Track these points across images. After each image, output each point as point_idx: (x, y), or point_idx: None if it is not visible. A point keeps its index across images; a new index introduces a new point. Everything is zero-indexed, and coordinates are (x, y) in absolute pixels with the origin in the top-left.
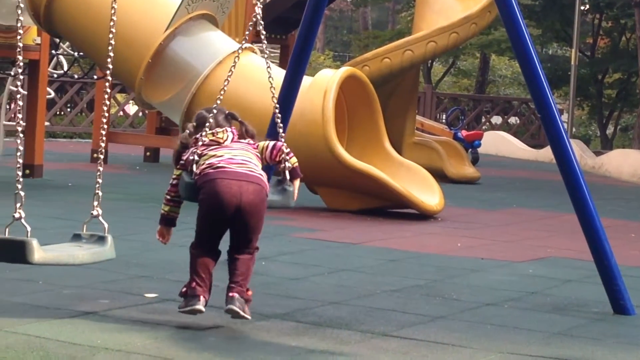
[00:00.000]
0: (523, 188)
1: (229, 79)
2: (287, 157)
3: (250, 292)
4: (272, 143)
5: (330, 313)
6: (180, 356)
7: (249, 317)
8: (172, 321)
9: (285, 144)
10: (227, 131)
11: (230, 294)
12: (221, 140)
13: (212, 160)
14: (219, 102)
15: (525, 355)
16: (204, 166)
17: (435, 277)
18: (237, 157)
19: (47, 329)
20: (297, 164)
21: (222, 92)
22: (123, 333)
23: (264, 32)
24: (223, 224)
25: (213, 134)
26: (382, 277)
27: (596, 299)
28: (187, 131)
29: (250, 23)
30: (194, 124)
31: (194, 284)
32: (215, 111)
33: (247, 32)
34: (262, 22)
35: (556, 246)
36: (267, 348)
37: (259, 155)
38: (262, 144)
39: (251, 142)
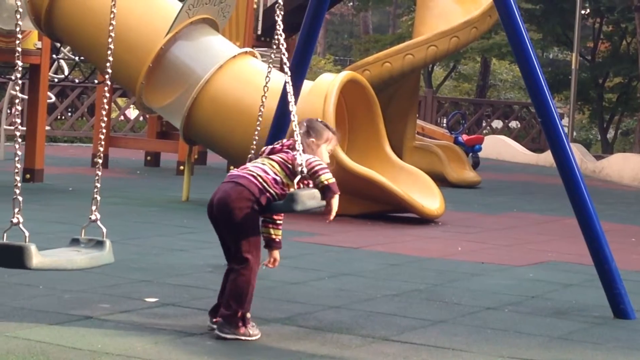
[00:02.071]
0: (524, 192)
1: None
2: (296, 162)
3: (241, 313)
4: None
5: (331, 317)
6: None
7: (240, 337)
8: (173, 325)
9: (298, 153)
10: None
11: (214, 319)
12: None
13: None
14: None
15: (525, 359)
16: None
17: (435, 282)
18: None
19: (47, 334)
20: (311, 167)
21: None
22: (124, 337)
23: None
24: (217, 230)
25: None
26: (383, 281)
27: (596, 303)
28: None
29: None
30: None
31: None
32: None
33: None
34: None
35: (556, 250)
36: (267, 352)
37: (284, 162)
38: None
39: (289, 152)
